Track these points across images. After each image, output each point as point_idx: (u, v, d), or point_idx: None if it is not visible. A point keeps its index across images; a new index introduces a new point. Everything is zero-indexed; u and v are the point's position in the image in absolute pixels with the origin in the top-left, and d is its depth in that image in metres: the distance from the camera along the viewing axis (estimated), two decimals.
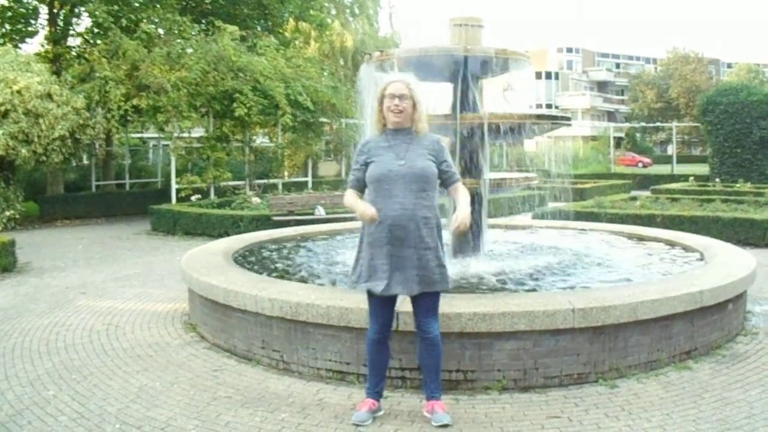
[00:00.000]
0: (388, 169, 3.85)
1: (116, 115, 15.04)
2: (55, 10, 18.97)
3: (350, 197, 4.01)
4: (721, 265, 5.89)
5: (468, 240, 6.83)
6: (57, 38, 19.08)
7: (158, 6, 18.21)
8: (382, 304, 3.94)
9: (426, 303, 3.92)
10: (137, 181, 22.38)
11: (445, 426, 3.84)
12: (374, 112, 4.02)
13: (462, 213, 3.86)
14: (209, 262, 6.30)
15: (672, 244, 7.71)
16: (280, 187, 18.43)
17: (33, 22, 20.09)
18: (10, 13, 19.25)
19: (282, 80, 16.49)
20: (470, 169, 6.77)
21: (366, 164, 3.96)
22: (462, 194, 3.99)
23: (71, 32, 20.02)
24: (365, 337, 4.11)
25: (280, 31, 23.77)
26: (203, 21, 20.13)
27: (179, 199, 15.84)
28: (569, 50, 77.49)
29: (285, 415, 4.07)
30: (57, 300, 7.48)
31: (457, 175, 4.05)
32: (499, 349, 4.47)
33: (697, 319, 5.02)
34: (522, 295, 5.24)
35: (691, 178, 23.47)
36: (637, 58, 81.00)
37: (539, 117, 7.02)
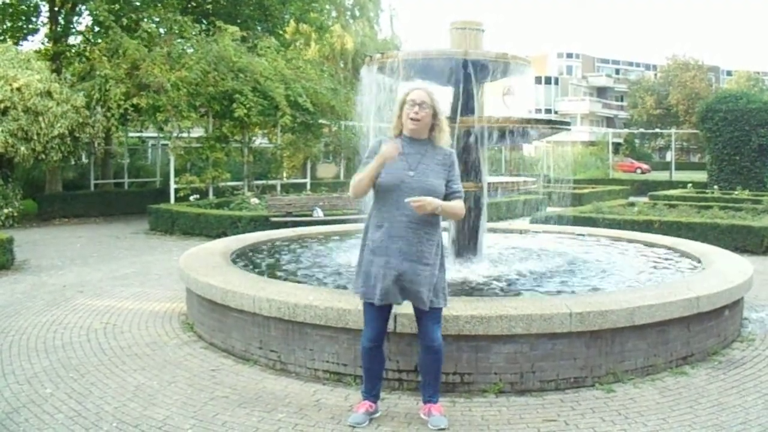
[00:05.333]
0: (399, 179, 3.79)
1: (116, 114, 15.05)
2: (56, 8, 19.00)
3: (358, 174, 3.88)
4: (718, 272, 5.90)
5: (466, 243, 6.85)
6: (58, 36, 19.11)
7: (159, 5, 18.25)
8: (377, 311, 3.91)
9: (429, 313, 3.89)
10: (136, 181, 22.37)
11: (442, 429, 3.85)
12: (393, 117, 4.00)
13: (435, 200, 3.73)
14: (207, 262, 6.31)
15: (669, 250, 7.73)
16: (278, 188, 18.45)
17: (34, 19, 20.14)
18: (11, 10, 19.28)
19: (282, 81, 16.50)
20: (469, 172, 6.78)
21: None
22: (456, 202, 3.90)
23: (72, 30, 20.06)
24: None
25: (281, 32, 23.82)
26: (204, 21, 20.17)
27: (178, 199, 15.84)
28: (569, 55, 77.54)
29: (282, 416, 4.08)
30: (54, 298, 7.47)
31: (460, 193, 3.93)
32: (496, 352, 4.47)
33: (693, 324, 5.04)
34: (519, 298, 5.25)
35: (690, 184, 23.52)
36: (637, 65, 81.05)
37: (538, 122, 7.04)
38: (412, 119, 3.87)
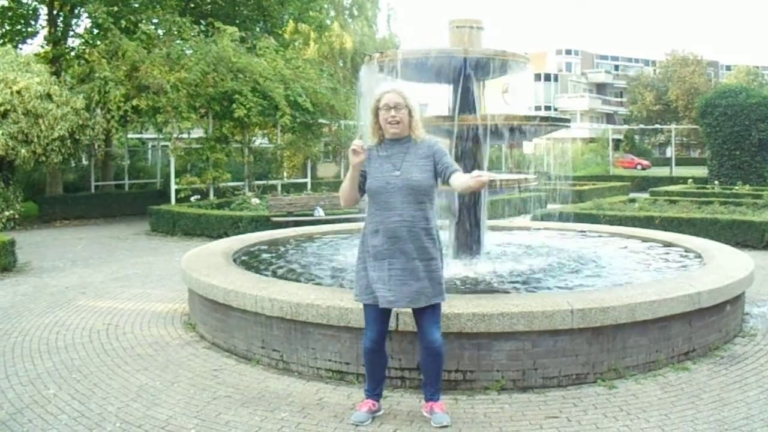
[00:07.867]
0: (385, 181, 3.82)
1: (116, 115, 15.06)
2: (54, 11, 18.99)
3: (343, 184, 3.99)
4: (719, 267, 5.91)
5: (467, 241, 6.85)
6: (57, 39, 19.10)
7: (158, 7, 18.24)
8: (378, 314, 3.92)
9: (428, 313, 3.90)
10: (136, 182, 22.37)
11: (445, 427, 3.85)
12: (370, 124, 3.98)
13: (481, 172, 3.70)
14: (209, 263, 6.32)
15: (670, 245, 7.73)
16: (279, 188, 18.45)
17: (33, 22, 20.13)
18: (10, 14, 19.27)
19: (281, 81, 16.50)
20: (469, 170, 6.77)
21: (363, 172, 3.93)
22: (467, 174, 3.84)
23: (71, 33, 20.05)
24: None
25: (280, 32, 23.79)
26: (203, 22, 20.15)
27: (178, 200, 15.84)
28: (568, 52, 77.41)
29: (285, 415, 4.09)
30: (57, 300, 7.49)
31: (455, 166, 3.90)
32: (498, 349, 4.48)
33: (695, 320, 5.04)
34: (521, 295, 5.26)
35: (690, 180, 23.50)
36: (636, 60, 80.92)
37: (541, 119, 7.04)
38: (392, 123, 3.86)
